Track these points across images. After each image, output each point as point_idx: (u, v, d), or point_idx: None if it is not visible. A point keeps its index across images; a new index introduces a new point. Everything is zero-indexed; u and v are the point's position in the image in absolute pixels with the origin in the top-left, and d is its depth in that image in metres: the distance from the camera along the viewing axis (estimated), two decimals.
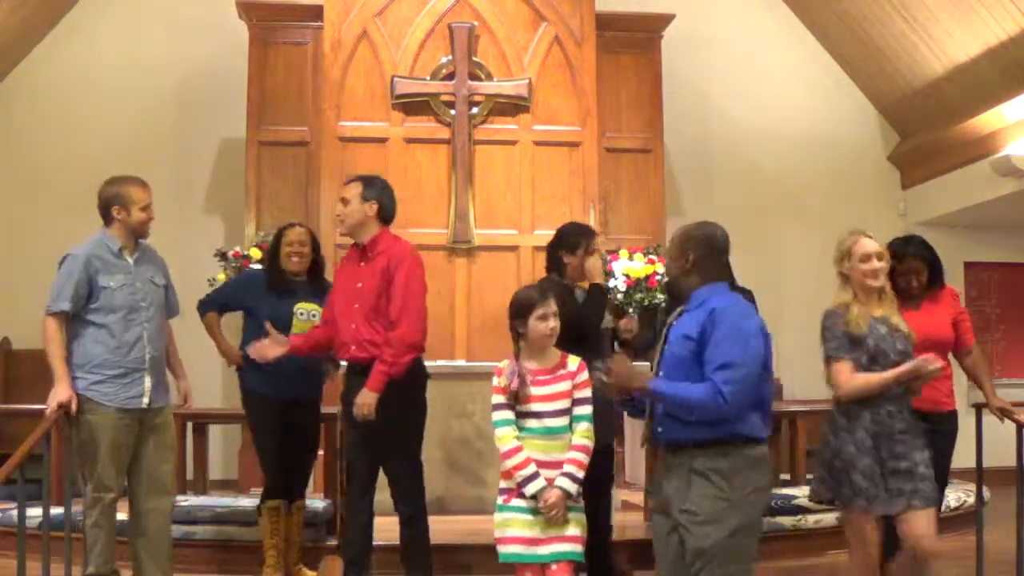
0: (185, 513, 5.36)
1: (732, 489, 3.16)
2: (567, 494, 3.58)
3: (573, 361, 3.75)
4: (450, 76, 7.99)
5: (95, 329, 4.30)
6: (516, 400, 3.65)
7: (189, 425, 6.74)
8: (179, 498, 5.11)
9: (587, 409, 3.70)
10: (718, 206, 8.46)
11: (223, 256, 7.69)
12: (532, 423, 3.66)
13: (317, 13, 8.05)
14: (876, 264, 3.88)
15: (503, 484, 3.70)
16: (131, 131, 8.63)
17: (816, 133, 9.49)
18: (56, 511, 4.77)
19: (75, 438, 4.30)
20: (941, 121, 8.87)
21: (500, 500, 3.70)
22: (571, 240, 4.64)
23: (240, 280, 5.89)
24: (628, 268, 7.80)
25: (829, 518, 6.00)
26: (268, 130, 8.10)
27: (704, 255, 3.36)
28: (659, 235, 8.21)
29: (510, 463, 3.61)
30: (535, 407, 3.67)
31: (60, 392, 4.24)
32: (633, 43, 8.52)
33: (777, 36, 9.54)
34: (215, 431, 7.71)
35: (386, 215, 4.55)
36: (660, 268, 7.88)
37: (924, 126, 9.21)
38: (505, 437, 3.65)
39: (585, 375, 3.74)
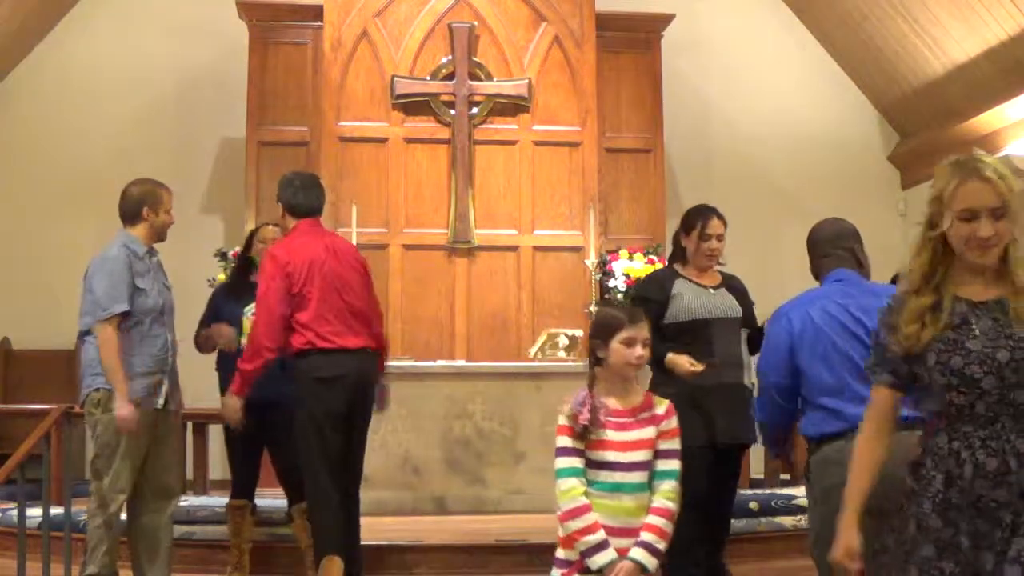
0: (185, 513, 5.35)
1: (810, 493, 3.13)
2: (642, 569, 2.93)
3: (660, 403, 3.10)
4: (450, 76, 7.99)
5: (125, 331, 4.27)
6: (583, 438, 2.98)
7: (189, 425, 6.74)
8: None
9: (675, 464, 3.03)
10: (718, 206, 8.42)
11: (223, 256, 7.69)
12: (602, 476, 2.98)
13: (317, 13, 8.04)
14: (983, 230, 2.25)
15: (561, 554, 3.02)
16: (131, 131, 8.62)
17: (816, 133, 9.48)
18: (56, 511, 4.78)
19: (96, 436, 4.26)
20: (941, 121, 8.86)
21: (557, 575, 3.04)
22: (687, 221, 4.30)
23: (211, 298, 5.54)
24: (628, 268, 7.80)
25: None
26: (268, 130, 8.10)
27: (811, 256, 3.44)
28: (659, 235, 8.20)
29: (574, 525, 2.93)
30: (609, 456, 2.98)
31: (124, 412, 4.18)
32: (633, 43, 8.51)
33: (777, 36, 9.53)
34: (215, 431, 7.67)
35: (290, 208, 4.63)
36: (660, 268, 7.88)
37: (924, 126, 9.20)
38: (572, 491, 2.94)
39: (674, 422, 3.08)
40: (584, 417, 2.97)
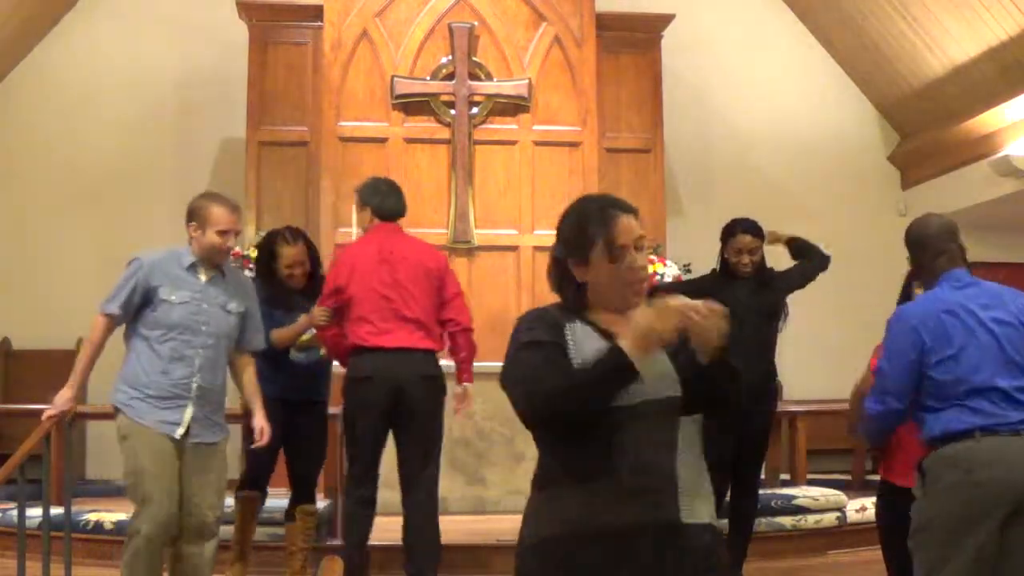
0: None
1: (922, 487, 3.03)
2: None
3: None
4: (450, 76, 7.98)
5: (145, 343, 4.02)
6: None
7: None
8: None
9: None
10: (718, 206, 8.44)
11: None
12: None
13: (317, 13, 8.04)
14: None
15: None
16: (131, 131, 8.63)
17: (816, 133, 9.49)
18: (56, 511, 4.77)
19: (124, 464, 4.03)
20: (941, 121, 8.87)
21: None
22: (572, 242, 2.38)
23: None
24: None
25: (830, 518, 6.01)
26: (268, 130, 8.10)
27: (915, 258, 3.28)
28: (659, 235, 8.20)
29: None
30: None
31: (60, 399, 4.10)
32: (633, 43, 8.52)
33: (777, 36, 9.54)
34: None
35: (377, 213, 4.79)
36: (660, 268, 7.88)
37: (924, 126, 9.21)
38: None
39: None
40: None
